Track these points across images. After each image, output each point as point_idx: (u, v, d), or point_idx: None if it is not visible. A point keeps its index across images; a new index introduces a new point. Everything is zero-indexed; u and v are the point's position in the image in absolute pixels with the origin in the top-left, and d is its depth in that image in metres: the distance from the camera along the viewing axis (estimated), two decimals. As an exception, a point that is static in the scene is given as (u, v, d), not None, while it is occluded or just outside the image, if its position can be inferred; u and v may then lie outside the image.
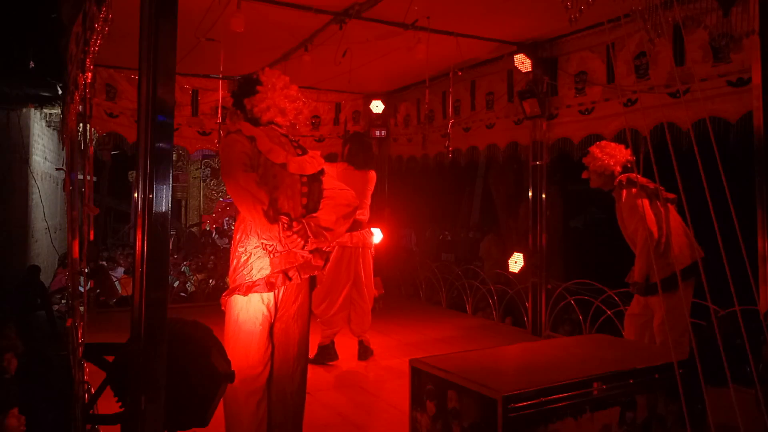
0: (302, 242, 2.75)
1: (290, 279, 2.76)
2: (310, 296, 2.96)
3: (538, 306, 5.79)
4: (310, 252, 2.81)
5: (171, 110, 1.46)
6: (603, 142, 3.97)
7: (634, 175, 3.67)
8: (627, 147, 3.89)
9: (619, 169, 3.80)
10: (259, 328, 2.76)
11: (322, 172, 2.97)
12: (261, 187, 2.68)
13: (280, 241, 2.71)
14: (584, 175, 3.99)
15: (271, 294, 2.77)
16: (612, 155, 3.81)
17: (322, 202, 2.91)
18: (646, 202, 3.55)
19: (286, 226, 2.71)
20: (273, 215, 2.69)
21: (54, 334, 6.69)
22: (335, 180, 3.10)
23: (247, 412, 2.73)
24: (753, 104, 2.97)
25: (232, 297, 2.78)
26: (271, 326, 2.83)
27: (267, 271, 2.74)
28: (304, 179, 2.86)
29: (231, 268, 2.85)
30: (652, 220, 3.55)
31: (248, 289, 2.73)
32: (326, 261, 2.97)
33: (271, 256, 2.75)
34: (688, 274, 3.56)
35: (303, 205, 2.84)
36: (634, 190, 3.61)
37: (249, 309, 2.76)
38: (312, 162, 2.91)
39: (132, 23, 1.67)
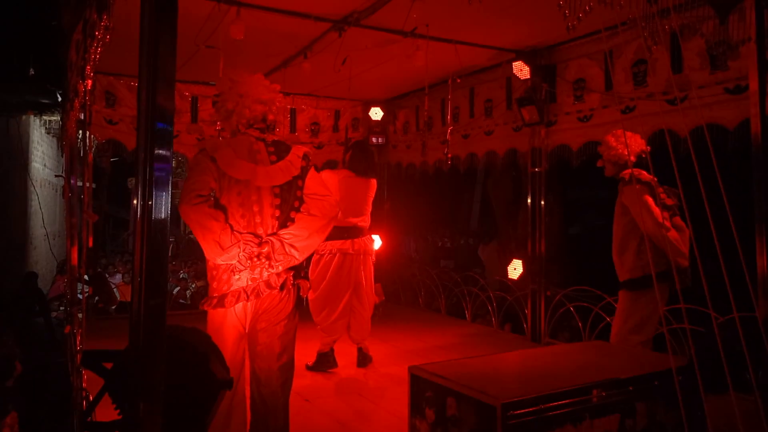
0: (267, 263, 2.69)
1: (248, 300, 2.70)
2: (295, 297, 2.87)
3: (538, 313, 5.78)
4: (285, 270, 2.75)
5: (171, 117, 1.46)
6: (618, 131, 3.87)
7: (638, 170, 3.62)
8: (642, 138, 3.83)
9: (633, 159, 3.70)
10: (227, 339, 2.72)
11: (301, 175, 2.82)
12: (216, 213, 2.62)
13: (240, 261, 2.66)
14: (599, 164, 3.93)
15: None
16: (628, 144, 3.72)
17: (296, 215, 2.79)
18: (650, 199, 3.51)
19: (250, 248, 2.65)
20: (228, 239, 2.61)
21: (52, 341, 6.67)
22: (320, 183, 2.90)
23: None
24: (750, 111, 2.98)
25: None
26: (249, 329, 2.79)
27: (227, 286, 2.70)
28: (276, 190, 2.75)
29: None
30: (657, 213, 3.52)
31: (209, 304, 2.73)
32: (299, 274, 2.86)
33: (232, 275, 2.69)
34: (659, 279, 3.58)
35: (276, 217, 2.74)
36: (638, 186, 3.56)
37: (216, 318, 2.76)
38: (287, 168, 2.78)
39: (132, 31, 1.68)
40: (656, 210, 3.51)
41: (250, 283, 2.70)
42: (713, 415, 1.85)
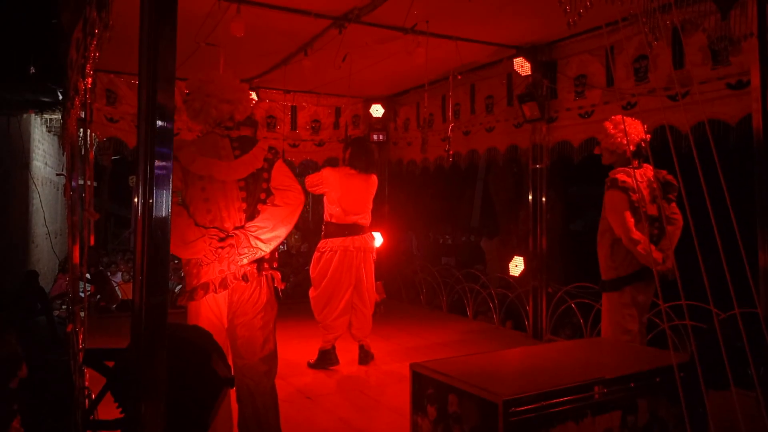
0: (233, 255, 2.75)
1: (216, 291, 2.77)
2: (269, 288, 2.92)
3: (539, 310, 5.78)
4: (251, 262, 2.80)
5: (171, 115, 1.46)
6: (617, 117, 3.72)
7: (622, 176, 3.54)
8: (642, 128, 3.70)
9: (632, 148, 3.58)
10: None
11: (266, 168, 2.85)
12: (178, 209, 2.69)
13: (205, 255, 2.73)
14: (596, 151, 3.86)
15: (216, 295, 2.80)
16: (627, 132, 3.58)
17: (261, 207, 2.84)
18: (628, 214, 3.46)
19: (215, 241, 2.71)
20: (192, 233, 2.68)
21: (54, 339, 6.67)
22: (285, 174, 2.94)
23: None
24: (752, 106, 2.97)
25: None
26: (228, 325, 2.85)
27: (197, 280, 2.78)
28: (241, 183, 2.80)
29: None
30: (633, 229, 3.47)
31: (182, 299, 2.82)
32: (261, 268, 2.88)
33: (201, 269, 2.77)
34: (633, 279, 3.57)
35: (243, 210, 2.81)
36: (619, 195, 3.50)
37: (191, 312, 2.83)
38: (250, 161, 2.82)
39: (132, 28, 1.67)
40: (631, 226, 3.44)
41: (218, 275, 2.77)
42: (715, 411, 1.85)
